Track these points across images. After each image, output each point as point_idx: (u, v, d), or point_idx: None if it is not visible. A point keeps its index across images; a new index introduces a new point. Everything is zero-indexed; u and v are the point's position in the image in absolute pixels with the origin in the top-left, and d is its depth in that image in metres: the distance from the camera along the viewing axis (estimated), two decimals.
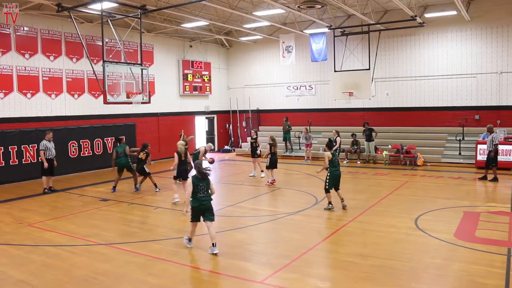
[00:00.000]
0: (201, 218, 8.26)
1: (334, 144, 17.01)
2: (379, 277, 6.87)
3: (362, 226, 9.73)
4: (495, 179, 14.81)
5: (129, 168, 14.30)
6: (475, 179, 15.36)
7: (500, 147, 16.90)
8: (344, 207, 11.01)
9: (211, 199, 8.38)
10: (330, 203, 11.03)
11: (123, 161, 14.25)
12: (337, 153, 17.12)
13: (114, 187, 14.30)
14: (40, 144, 14.18)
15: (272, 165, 14.98)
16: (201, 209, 8.21)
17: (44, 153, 13.97)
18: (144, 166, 14.05)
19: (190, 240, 8.52)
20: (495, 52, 19.15)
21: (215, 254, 7.98)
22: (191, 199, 8.25)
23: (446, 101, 20.48)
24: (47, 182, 14.35)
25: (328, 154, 11.00)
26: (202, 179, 8.16)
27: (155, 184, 14.18)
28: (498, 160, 15.04)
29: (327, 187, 10.94)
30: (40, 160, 14.24)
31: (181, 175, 12.52)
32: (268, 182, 14.82)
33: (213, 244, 8.08)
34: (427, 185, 14.68)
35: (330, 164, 10.92)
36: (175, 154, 12.18)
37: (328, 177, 10.94)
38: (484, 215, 10.49)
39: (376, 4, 19.77)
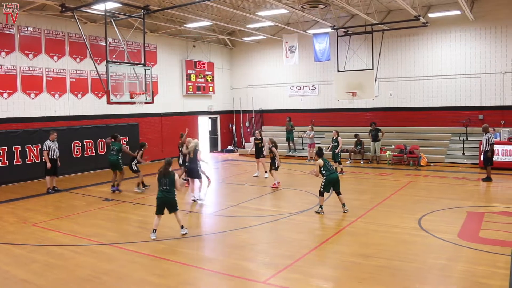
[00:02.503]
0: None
1: (335, 144, 17.03)
2: (382, 278, 6.86)
3: (366, 227, 9.71)
4: (488, 179, 14.82)
5: (118, 167, 14.13)
6: (479, 179, 15.30)
7: (504, 147, 16.92)
8: (344, 212, 10.92)
9: (174, 194, 9.16)
10: (321, 207, 10.93)
11: (111, 158, 14.17)
12: (340, 153, 17.19)
13: (113, 185, 14.23)
14: (44, 144, 14.25)
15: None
16: (163, 201, 9.05)
17: (48, 153, 14.02)
18: (132, 164, 14.19)
19: (154, 231, 9.12)
20: (499, 52, 19.08)
21: (185, 234, 9.16)
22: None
23: (450, 101, 20.42)
24: (50, 182, 14.39)
25: (319, 162, 10.93)
26: (164, 175, 9.07)
27: (138, 184, 14.27)
28: (500, 160, 15.03)
29: (322, 189, 10.88)
30: (43, 160, 14.28)
31: (189, 173, 12.54)
32: (275, 184, 14.37)
33: (181, 226, 9.24)
34: (431, 185, 14.65)
35: (324, 169, 10.88)
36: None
37: (324, 181, 10.89)
38: (488, 215, 10.46)
39: (379, 4, 19.73)
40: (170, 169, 9.19)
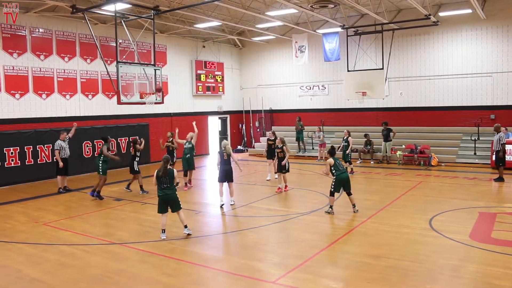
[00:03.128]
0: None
1: (346, 144, 16.95)
2: (392, 278, 6.82)
3: (376, 227, 9.66)
4: (500, 179, 14.69)
5: (97, 171, 13.32)
6: (491, 179, 15.16)
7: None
8: (355, 212, 10.86)
9: (175, 190, 9.22)
10: (331, 207, 10.89)
11: (95, 161, 13.64)
12: (351, 153, 17.11)
13: (93, 190, 13.39)
14: (55, 144, 14.38)
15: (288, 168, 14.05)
16: (165, 199, 9.07)
17: (59, 153, 14.15)
18: (134, 163, 13.89)
19: (163, 231, 9.16)
20: (511, 50, 18.88)
21: (189, 235, 9.17)
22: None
23: (461, 100, 20.25)
24: (62, 182, 14.51)
25: (330, 161, 10.85)
26: (163, 173, 9.02)
27: (141, 186, 14.01)
28: (508, 160, 14.98)
29: (332, 189, 10.84)
30: (55, 160, 14.41)
31: (225, 177, 11.85)
32: (285, 187, 13.97)
33: (185, 226, 9.24)
34: (442, 185, 14.54)
35: (335, 169, 10.83)
36: (217, 154, 11.97)
37: (334, 181, 10.85)
38: (500, 216, 10.35)
39: (389, 3, 19.62)
40: (168, 167, 9.15)
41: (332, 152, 11.10)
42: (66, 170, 14.48)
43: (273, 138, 15.86)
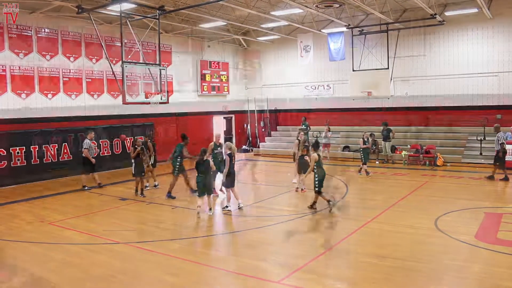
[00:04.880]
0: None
1: (366, 143, 16.81)
2: (397, 279, 6.80)
3: (381, 227, 9.63)
4: (505, 178, 14.64)
5: (173, 171, 12.99)
6: (497, 179, 15.06)
7: None
8: (330, 207, 10.91)
9: (210, 177, 10.77)
10: (329, 201, 10.95)
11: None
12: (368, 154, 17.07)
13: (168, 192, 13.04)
14: (84, 142, 14.77)
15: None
16: (201, 184, 10.54)
17: (88, 152, 14.51)
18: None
19: (210, 209, 10.80)
20: None
21: (210, 215, 10.56)
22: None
23: (467, 100, 20.12)
24: (87, 178, 14.79)
25: (315, 156, 10.78)
26: (200, 162, 10.58)
27: (142, 189, 13.50)
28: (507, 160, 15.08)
29: (317, 189, 10.86)
30: (84, 157, 14.66)
31: (234, 181, 11.45)
32: (302, 189, 13.63)
33: (209, 208, 10.83)
34: (447, 185, 14.48)
35: (317, 165, 10.76)
36: (227, 157, 11.28)
37: (317, 179, 10.79)
38: (506, 216, 10.28)
39: (394, 3, 19.55)
40: (205, 157, 10.63)
41: (316, 146, 11.08)
42: (93, 167, 14.81)
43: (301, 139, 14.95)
